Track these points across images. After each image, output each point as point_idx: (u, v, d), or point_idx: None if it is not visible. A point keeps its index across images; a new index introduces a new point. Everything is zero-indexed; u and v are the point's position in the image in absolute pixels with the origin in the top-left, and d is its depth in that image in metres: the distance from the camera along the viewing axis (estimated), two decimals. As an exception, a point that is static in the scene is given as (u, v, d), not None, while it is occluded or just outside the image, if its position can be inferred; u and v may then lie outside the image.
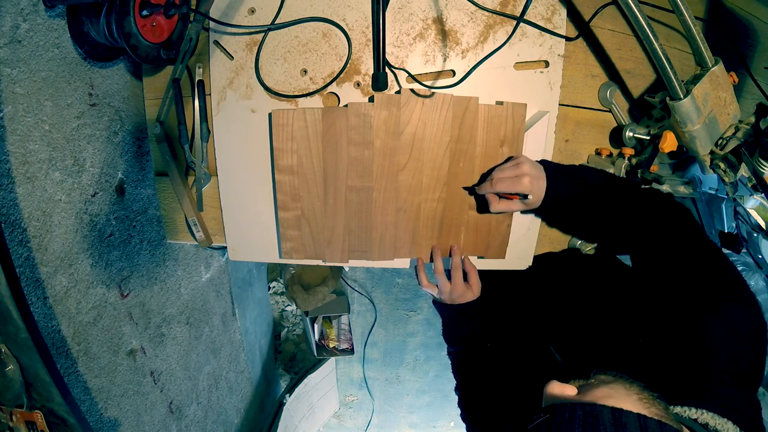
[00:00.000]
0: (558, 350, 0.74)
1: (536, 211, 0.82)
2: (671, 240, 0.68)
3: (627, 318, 0.67)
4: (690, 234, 0.68)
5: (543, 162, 0.76)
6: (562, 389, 0.49)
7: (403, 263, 0.87)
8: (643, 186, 0.77)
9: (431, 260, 0.84)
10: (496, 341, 0.85)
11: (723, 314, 0.56)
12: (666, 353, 0.58)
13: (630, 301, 0.69)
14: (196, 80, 0.78)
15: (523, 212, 0.83)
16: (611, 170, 0.80)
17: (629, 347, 0.63)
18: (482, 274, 0.84)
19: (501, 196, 0.75)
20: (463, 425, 0.83)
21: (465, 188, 0.80)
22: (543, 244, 0.88)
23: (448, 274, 0.82)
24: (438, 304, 0.86)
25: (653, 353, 0.59)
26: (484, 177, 0.79)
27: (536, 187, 0.72)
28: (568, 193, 0.73)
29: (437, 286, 0.82)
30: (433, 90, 0.74)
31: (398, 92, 0.75)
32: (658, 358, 0.58)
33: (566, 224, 0.88)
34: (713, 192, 0.85)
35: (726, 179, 0.73)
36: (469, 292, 0.82)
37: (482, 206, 0.80)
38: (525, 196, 0.72)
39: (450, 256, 0.83)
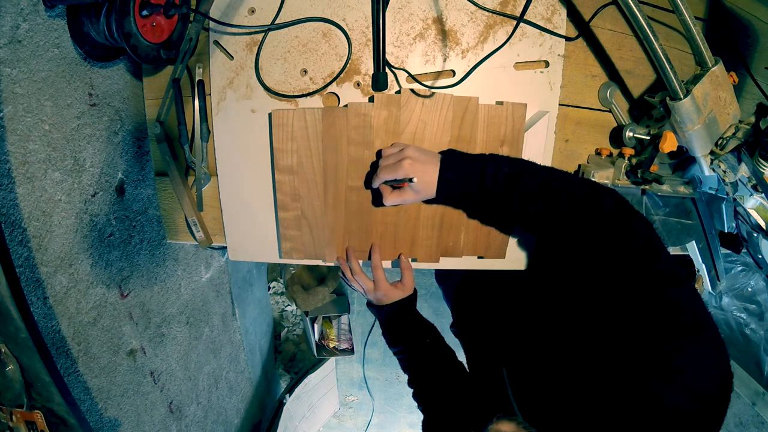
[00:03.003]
0: (509, 374, 0.68)
1: (435, 201, 0.72)
2: (608, 262, 0.57)
3: (577, 347, 0.58)
4: (635, 255, 0.55)
5: (446, 150, 0.72)
6: None
7: (403, 263, 0.87)
8: (587, 181, 0.67)
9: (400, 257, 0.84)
10: (434, 338, 0.85)
11: (677, 364, 0.47)
12: (608, 402, 0.49)
13: (585, 329, 0.59)
14: (196, 80, 0.78)
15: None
16: (611, 170, 0.80)
17: (571, 384, 0.55)
18: (478, 274, 0.84)
19: (394, 186, 0.71)
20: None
21: (365, 186, 0.78)
22: (543, 244, 0.87)
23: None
24: (370, 305, 0.87)
25: (595, 399, 0.51)
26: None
27: (420, 171, 0.66)
28: (461, 181, 0.66)
29: (362, 285, 0.82)
30: (433, 90, 0.74)
31: (398, 92, 0.75)
32: (599, 406, 0.50)
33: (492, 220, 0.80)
34: (713, 192, 0.85)
35: (726, 179, 0.73)
36: (396, 291, 0.82)
37: (380, 201, 0.74)
38: (411, 181, 0.67)
39: (398, 258, 0.83)
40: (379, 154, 0.75)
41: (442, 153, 0.70)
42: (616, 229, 0.58)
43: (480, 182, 0.66)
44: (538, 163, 0.69)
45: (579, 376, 0.55)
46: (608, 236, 0.58)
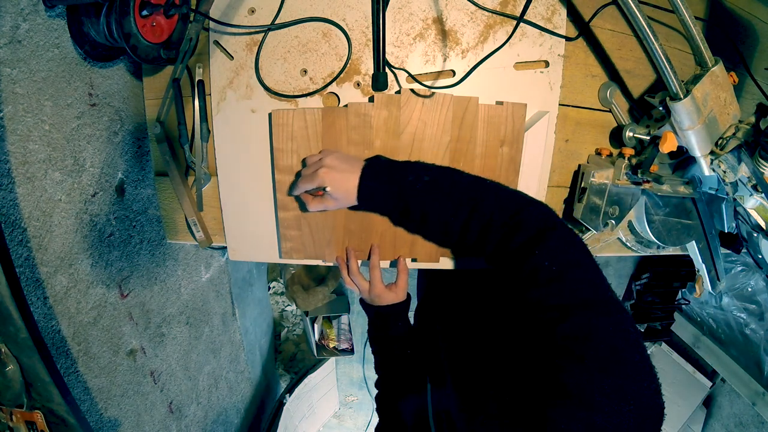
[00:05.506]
0: (431, 381, 0.67)
1: (360, 209, 0.71)
2: (516, 296, 0.55)
3: (497, 361, 0.56)
4: (541, 288, 0.52)
5: (372, 157, 0.71)
6: None
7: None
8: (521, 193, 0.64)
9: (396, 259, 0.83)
10: (416, 350, 0.83)
11: (579, 393, 0.43)
12: (507, 417, 0.48)
13: (507, 344, 0.57)
14: (196, 80, 0.78)
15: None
16: (611, 170, 0.80)
17: (486, 402, 0.53)
18: (471, 274, 0.84)
19: (315, 194, 0.70)
20: None
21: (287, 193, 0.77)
22: (543, 244, 0.87)
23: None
24: (363, 303, 0.86)
25: (500, 416, 0.50)
26: None
27: (336, 179, 0.65)
28: (381, 189, 0.65)
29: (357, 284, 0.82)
30: (433, 90, 0.74)
31: (398, 92, 0.75)
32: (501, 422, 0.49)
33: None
34: (713, 192, 0.85)
35: (726, 179, 0.73)
36: (390, 294, 0.81)
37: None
38: (325, 190, 0.67)
39: (396, 258, 0.83)
40: (305, 162, 0.74)
41: (367, 160, 0.69)
42: (521, 267, 0.55)
43: (399, 191, 0.64)
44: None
45: (493, 394, 0.53)
46: (514, 274, 0.56)
